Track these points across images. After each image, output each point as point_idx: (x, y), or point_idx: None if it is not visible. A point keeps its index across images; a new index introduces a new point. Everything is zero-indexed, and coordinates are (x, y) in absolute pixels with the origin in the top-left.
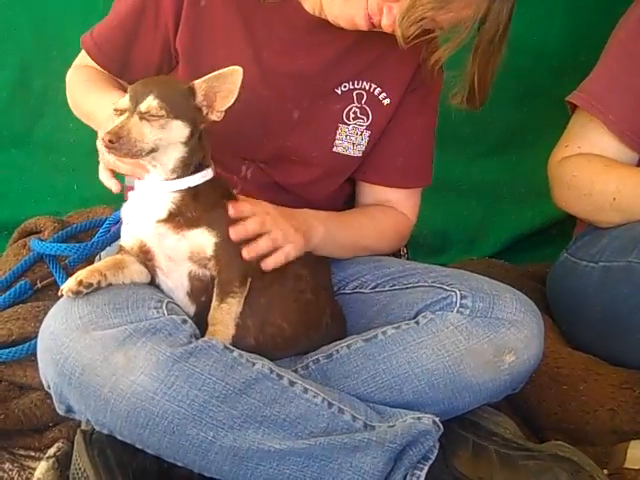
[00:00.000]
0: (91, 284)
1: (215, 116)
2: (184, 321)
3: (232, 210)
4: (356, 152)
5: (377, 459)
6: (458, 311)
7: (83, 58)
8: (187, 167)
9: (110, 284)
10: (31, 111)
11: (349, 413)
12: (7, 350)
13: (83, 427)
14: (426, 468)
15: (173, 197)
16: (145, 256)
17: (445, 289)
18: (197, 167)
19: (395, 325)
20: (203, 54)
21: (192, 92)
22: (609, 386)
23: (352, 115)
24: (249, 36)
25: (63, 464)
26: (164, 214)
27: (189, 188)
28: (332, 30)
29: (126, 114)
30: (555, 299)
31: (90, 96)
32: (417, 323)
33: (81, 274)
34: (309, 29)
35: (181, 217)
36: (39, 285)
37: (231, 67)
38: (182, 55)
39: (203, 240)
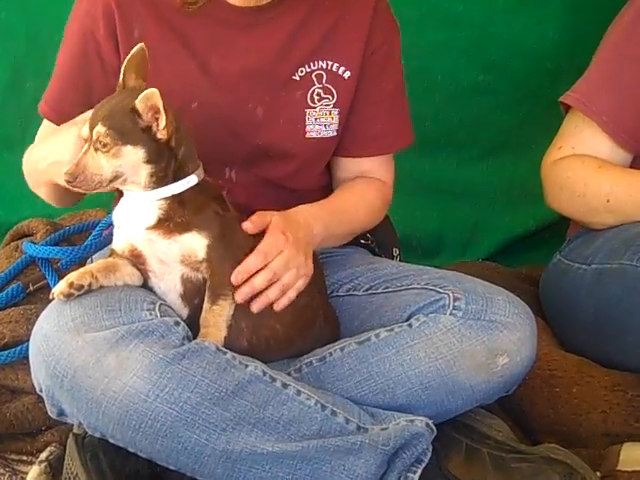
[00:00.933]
0: (82, 286)
1: (160, 135)
2: (177, 323)
3: (239, 271)
4: (330, 132)
5: (370, 462)
6: (451, 313)
7: (44, 130)
8: (162, 178)
9: (102, 286)
10: (24, 113)
11: (342, 415)
12: None
13: (75, 430)
14: (419, 471)
15: (159, 204)
16: (137, 260)
17: (438, 291)
18: (180, 174)
19: (388, 328)
20: (150, 82)
21: (136, 112)
22: (602, 388)
23: (316, 97)
24: (190, 49)
25: (55, 468)
26: (153, 221)
27: (174, 195)
28: (270, 18)
29: (85, 146)
30: (548, 301)
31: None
32: (410, 326)
33: (72, 276)
34: (247, 24)
35: (171, 222)
36: (31, 288)
37: (148, 89)
38: None
39: (194, 243)
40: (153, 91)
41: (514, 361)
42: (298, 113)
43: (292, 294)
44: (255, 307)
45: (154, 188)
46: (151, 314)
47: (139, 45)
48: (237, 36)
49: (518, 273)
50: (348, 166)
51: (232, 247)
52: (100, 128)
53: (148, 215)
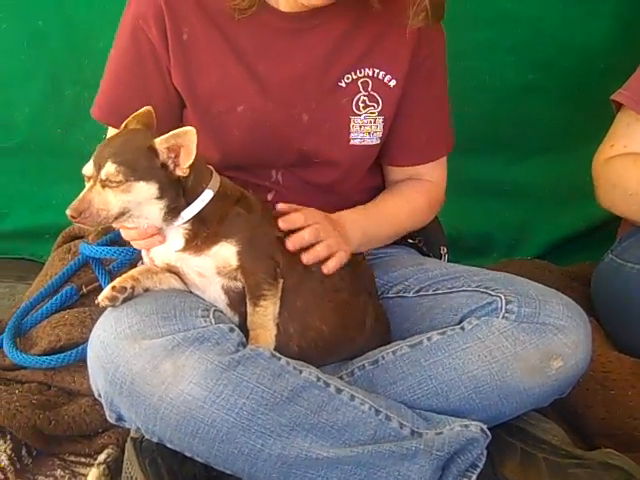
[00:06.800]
0: (124, 288)
1: (181, 172)
2: (231, 329)
3: (283, 223)
4: (374, 140)
5: (425, 467)
6: (504, 317)
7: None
8: (177, 210)
9: (147, 289)
10: (63, 121)
11: (396, 420)
12: (56, 356)
13: (133, 435)
14: (474, 476)
15: (183, 227)
16: (177, 274)
17: (490, 294)
18: (193, 196)
19: (440, 331)
20: (198, 85)
21: (153, 151)
22: None
23: (361, 105)
24: (239, 55)
25: (113, 470)
26: (181, 244)
27: (193, 216)
28: (318, 24)
29: (90, 182)
30: (600, 301)
31: None
32: (462, 329)
33: (114, 282)
34: (294, 30)
35: (198, 240)
36: (84, 290)
37: (185, 127)
38: (181, 91)
39: (225, 253)
40: (189, 129)
41: (569, 364)
42: (343, 120)
43: (338, 260)
44: (306, 258)
45: (172, 220)
46: (206, 321)
47: (145, 108)
48: (285, 42)
49: (569, 272)
50: (399, 171)
51: (262, 246)
52: (110, 167)
53: (175, 239)
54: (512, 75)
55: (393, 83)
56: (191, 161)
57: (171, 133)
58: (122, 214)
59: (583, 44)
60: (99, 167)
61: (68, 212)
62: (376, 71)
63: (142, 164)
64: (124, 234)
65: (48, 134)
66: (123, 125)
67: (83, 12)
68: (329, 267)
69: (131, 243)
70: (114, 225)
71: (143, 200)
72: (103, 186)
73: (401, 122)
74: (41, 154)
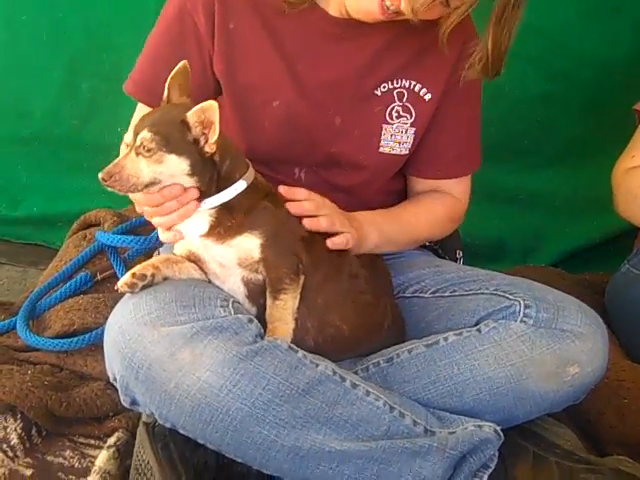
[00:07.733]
0: (144, 275)
1: (209, 148)
2: (250, 320)
3: (284, 190)
4: (402, 150)
5: (437, 465)
6: (522, 321)
7: (139, 114)
8: (206, 195)
9: (166, 278)
10: (79, 113)
11: (410, 417)
12: (69, 339)
13: (144, 419)
14: (485, 477)
15: (210, 212)
16: (198, 263)
17: (508, 298)
18: (226, 184)
19: (457, 332)
20: (238, 75)
21: (186, 125)
22: None
23: (395, 114)
24: (280, 51)
25: (123, 453)
26: (205, 229)
27: (222, 203)
28: (363, 32)
29: (127, 150)
30: (615, 311)
31: None
32: (479, 331)
33: (135, 269)
34: (339, 35)
35: (221, 228)
36: (99, 277)
37: (208, 102)
38: (220, 78)
39: (248, 244)
40: (211, 103)
41: (585, 371)
42: (375, 127)
43: (343, 239)
44: (306, 223)
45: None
46: (225, 311)
47: (182, 62)
48: (327, 45)
49: (582, 279)
50: (420, 183)
51: (286, 241)
52: (145, 134)
53: (200, 223)
54: (530, 85)
55: (428, 97)
56: (217, 136)
57: (199, 106)
58: (152, 184)
59: (603, 56)
60: (136, 135)
61: (100, 175)
62: (413, 83)
63: (175, 137)
64: (151, 209)
65: (63, 125)
66: (166, 91)
67: (104, 6)
68: (334, 242)
69: (154, 222)
70: (142, 194)
71: (174, 174)
72: (137, 154)
73: (431, 136)
74: (56, 144)
